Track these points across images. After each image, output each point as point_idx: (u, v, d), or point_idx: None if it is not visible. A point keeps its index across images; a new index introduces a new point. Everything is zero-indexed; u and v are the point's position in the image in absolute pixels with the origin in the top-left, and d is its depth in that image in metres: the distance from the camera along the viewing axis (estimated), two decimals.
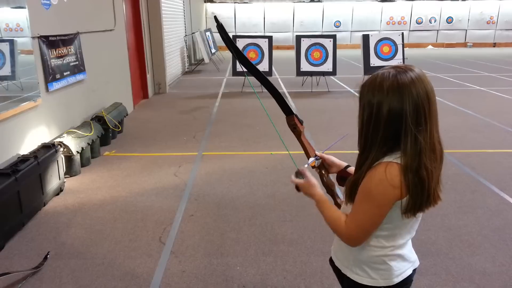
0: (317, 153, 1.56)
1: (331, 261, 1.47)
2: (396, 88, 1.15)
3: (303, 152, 1.60)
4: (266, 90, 1.61)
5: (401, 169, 1.16)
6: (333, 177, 1.56)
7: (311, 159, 1.52)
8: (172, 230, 3.19)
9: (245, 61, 1.61)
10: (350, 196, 1.28)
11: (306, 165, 1.48)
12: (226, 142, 5.41)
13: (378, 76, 1.20)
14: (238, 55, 1.61)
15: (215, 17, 1.65)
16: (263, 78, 1.58)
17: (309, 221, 3.30)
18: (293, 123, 1.59)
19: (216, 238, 3.07)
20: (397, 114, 1.15)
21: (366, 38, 9.24)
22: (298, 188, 1.44)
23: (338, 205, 1.46)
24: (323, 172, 1.55)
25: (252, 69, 1.62)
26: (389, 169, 1.16)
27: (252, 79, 1.94)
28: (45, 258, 2.80)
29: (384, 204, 1.19)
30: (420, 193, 1.17)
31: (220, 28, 1.59)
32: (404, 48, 9.46)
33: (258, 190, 3.90)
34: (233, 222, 3.30)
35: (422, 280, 2.54)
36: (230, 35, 1.66)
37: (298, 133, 1.60)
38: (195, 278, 2.61)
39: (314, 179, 1.42)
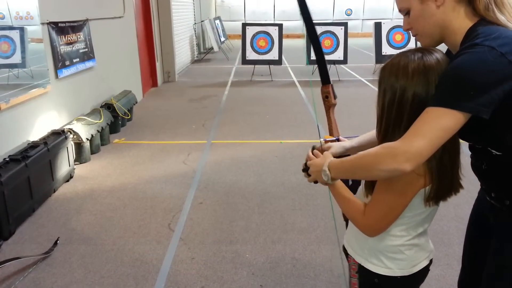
0: (341, 138, 1.48)
1: (344, 248, 1.42)
2: (422, 71, 1.09)
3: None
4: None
5: None
6: None
7: (331, 137, 1.44)
8: (181, 217, 3.18)
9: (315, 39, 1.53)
10: (370, 187, 1.21)
11: (322, 139, 1.41)
12: (235, 131, 5.38)
13: (402, 58, 1.14)
14: (310, 32, 1.53)
15: None
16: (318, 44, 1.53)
17: (318, 210, 3.26)
18: (327, 91, 1.51)
19: (225, 226, 3.05)
20: (422, 99, 1.09)
21: (378, 26, 9.07)
22: (307, 169, 1.32)
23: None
24: None
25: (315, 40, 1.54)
26: None
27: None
28: (55, 243, 2.81)
29: (407, 193, 1.14)
30: (443, 180, 1.12)
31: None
32: None
33: (268, 179, 3.87)
34: (242, 210, 3.28)
35: (434, 271, 2.50)
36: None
37: (328, 105, 1.51)
38: (204, 265, 2.60)
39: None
